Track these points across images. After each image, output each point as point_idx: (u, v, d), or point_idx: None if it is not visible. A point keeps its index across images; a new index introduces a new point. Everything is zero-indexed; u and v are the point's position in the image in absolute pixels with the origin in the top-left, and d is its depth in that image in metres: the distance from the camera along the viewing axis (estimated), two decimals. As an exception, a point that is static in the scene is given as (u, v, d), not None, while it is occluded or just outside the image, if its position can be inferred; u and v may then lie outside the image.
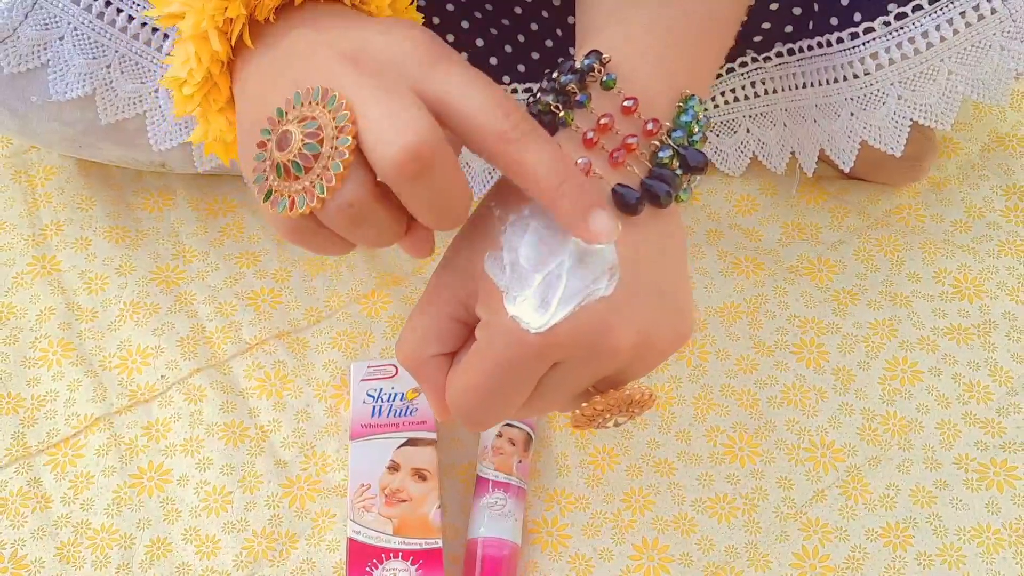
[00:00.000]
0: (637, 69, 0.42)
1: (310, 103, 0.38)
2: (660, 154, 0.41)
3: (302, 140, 0.38)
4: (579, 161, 0.40)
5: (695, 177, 0.42)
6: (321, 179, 0.37)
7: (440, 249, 0.43)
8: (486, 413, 0.41)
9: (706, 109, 0.44)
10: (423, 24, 0.48)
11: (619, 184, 0.40)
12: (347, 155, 0.37)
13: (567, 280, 0.39)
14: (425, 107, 0.37)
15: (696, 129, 0.42)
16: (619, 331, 0.39)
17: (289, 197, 0.38)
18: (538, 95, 0.43)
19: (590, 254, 0.39)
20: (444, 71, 0.38)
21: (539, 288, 0.39)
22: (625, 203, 0.40)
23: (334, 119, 0.37)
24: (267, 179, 0.39)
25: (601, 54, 0.42)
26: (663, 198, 0.41)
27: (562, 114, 0.42)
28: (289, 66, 0.41)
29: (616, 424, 0.43)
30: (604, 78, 0.42)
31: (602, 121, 0.41)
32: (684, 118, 0.42)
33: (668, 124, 0.42)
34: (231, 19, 0.43)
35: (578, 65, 0.42)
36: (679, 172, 0.41)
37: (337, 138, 0.37)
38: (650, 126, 0.41)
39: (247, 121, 0.42)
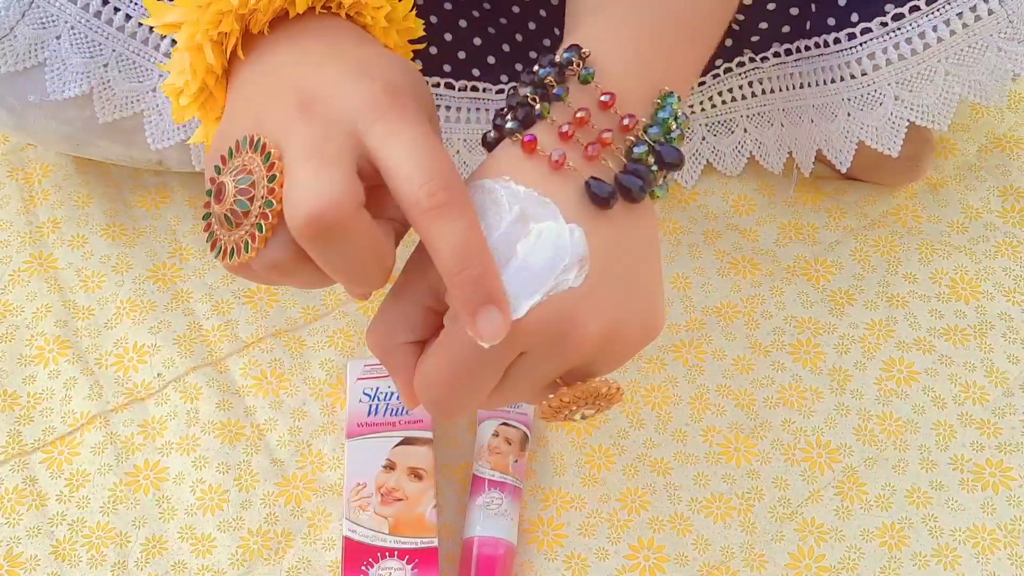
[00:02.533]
0: (615, 63, 0.43)
1: (251, 153, 0.40)
2: (635, 149, 0.42)
3: (235, 196, 0.40)
4: (554, 153, 0.41)
5: (671, 173, 0.43)
6: (248, 237, 0.39)
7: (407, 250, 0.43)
8: (453, 401, 0.41)
9: (691, 107, 0.44)
10: (424, 27, 0.48)
11: (592, 177, 0.41)
12: (271, 218, 0.39)
13: (537, 270, 0.39)
14: (348, 169, 0.38)
15: (674, 126, 0.42)
16: (586, 322, 0.40)
17: (223, 246, 0.41)
18: (516, 87, 0.43)
19: (561, 246, 0.40)
20: (386, 127, 0.39)
21: (509, 278, 0.39)
22: (596, 196, 0.41)
23: (266, 177, 0.39)
24: (210, 222, 0.42)
25: (580, 48, 0.42)
26: (635, 192, 0.41)
27: (538, 106, 0.42)
28: (255, 98, 0.42)
29: (583, 417, 0.43)
30: (582, 72, 0.42)
31: (578, 115, 0.41)
32: (661, 114, 0.42)
33: (645, 120, 0.42)
34: (226, 32, 0.43)
35: (557, 59, 0.42)
36: (654, 168, 0.42)
37: (265, 198, 0.39)
38: (626, 121, 0.42)
39: (216, 139, 0.43)
